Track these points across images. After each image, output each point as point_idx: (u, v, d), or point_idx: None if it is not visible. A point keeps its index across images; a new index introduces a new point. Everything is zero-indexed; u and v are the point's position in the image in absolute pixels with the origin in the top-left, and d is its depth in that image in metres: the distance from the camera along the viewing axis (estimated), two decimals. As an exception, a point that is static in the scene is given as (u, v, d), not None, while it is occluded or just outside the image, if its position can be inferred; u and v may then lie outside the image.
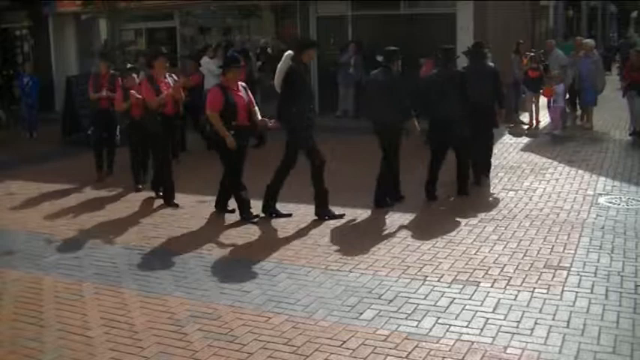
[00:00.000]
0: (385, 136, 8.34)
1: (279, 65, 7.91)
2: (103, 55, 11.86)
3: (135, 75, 10.33)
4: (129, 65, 11.20)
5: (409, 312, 5.22)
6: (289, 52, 7.89)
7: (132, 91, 9.67)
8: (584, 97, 13.91)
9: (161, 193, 9.08)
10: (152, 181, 9.38)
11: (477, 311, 5.19)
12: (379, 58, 9.11)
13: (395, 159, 8.41)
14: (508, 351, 4.57)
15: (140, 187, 9.73)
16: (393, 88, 8.22)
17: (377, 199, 8.30)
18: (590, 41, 14.59)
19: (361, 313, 5.22)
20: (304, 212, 8.09)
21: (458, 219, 7.70)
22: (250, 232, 7.54)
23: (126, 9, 16.51)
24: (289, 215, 8.01)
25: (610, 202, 8.24)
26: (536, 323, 4.95)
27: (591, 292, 5.49)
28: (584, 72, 13.68)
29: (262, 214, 7.99)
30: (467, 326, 4.95)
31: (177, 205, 8.72)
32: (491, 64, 9.77)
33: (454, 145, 8.66)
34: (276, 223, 7.84)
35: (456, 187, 8.80)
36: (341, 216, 7.90)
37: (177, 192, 8.95)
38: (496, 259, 6.34)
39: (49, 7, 19.09)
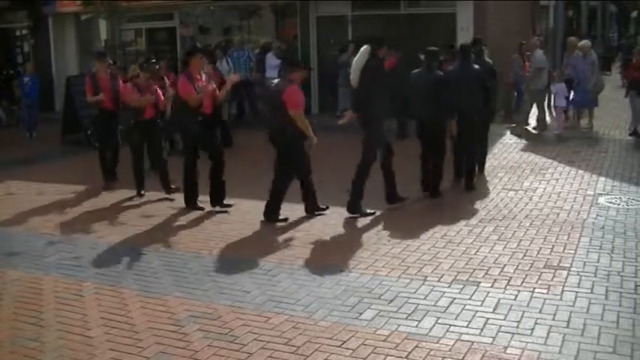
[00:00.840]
0: (429, 130, 8.55)
1: (355, 60, 8.04)
2: (101, 54, 11.30)
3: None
4: (152, 60, 10.42)
5: (409, 312, 5.22)
6: (366, 47, 7.98)
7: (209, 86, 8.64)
8: (579, 98, 13.92)
9: (219, 207, 8.46)
10: (210, 193, 8.53)
11: (476, 311, 5.19)
12: (422, 57, 9.26)
13: (439, 154, 8.67)
14: (508, 351, 4.57)
15: (143, 192, 9.37)
16: (439, 86, 8.49)
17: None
18: (586, 42, 14.55)
19: (361, 313, 5.22)
20: (303, 212, 8.08)
21: (458, 219, 7.70)
22: (250, 232, 7.54)
23: (126, 9, 16.49)
24: (372, 214, 7.97)
25: (610, 202, 8.24)
26: (536, 323, 4.95)
27: (591, 292, 5.49)
28: (580, 73, 13.70)
29: (352, 214, 7.92)
30: (467, 326, 4.95)
31: (202, 209, 8.44)
32: (476, 66, 9.24)
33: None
34: (275, 223, 7.83)
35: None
36: (372, 214, 7.96)
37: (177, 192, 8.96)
38: (496, 259, 6.34)
39: (49, 7, 19.09)
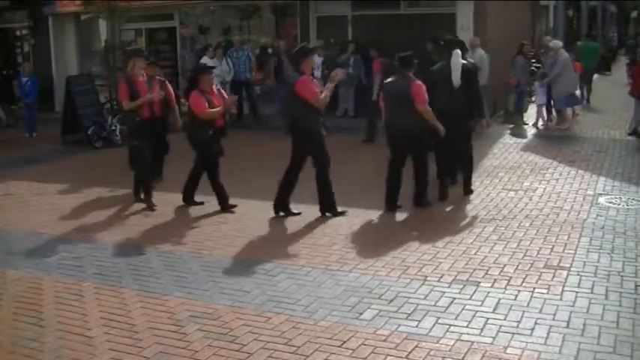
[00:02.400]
0: (453, 127, 8.34)
1: (453, 61, 8.51)
2: (139, 52, 9.78)
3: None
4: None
5: (409, 312, 5.22)
6: (457, 50, 8.53)
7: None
8: (553, 97, 14.05)
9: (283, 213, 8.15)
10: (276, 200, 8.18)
11: (477, 311, 5.19)
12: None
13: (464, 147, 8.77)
14: (508, 351, 4.57)
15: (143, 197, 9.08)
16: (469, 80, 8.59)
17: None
18: (556, 42, 14.47)
19: (361, 313, 5.22)
20: (304, 212, 8.08)
21: (458, 219, 7.70)
22: (250, 232, 7.53)
23: (126, 9, 16.49)
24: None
25: (610, 202, 8.24)
26: (536, 323, 4.95)
27: (591, 292, 5.49)
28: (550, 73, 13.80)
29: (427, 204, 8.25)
30: (467, 326, 4.95)
31: (233, 207, 8.41)
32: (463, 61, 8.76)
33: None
34: (276, 222, 7.84)
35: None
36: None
37: (177, 192, 8.94)
38: (496, 259, 6.34)
39: (49, 7, 19.09)
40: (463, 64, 8.61)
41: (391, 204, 8.16)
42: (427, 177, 8.29)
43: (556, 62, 13.62)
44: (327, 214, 7.96)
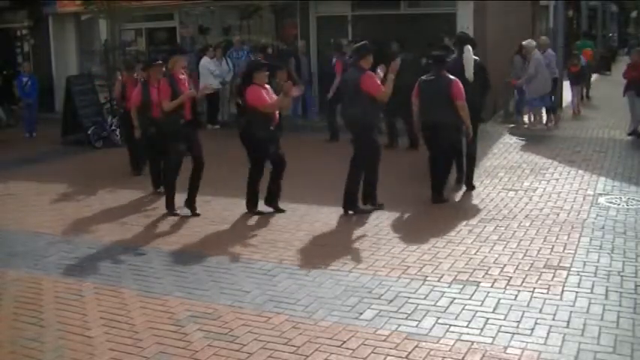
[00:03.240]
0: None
1: (465, 56, 8.77)
2: (181, 50, 9.42)
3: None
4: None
5: (409, 312, 5.22)
6: (468, 45, 8.83)
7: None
8: (529, 97, 14.14)
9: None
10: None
11: (477, 311, 5.19)
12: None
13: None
14: (508, 351, 4.57)
15: (160, 190, 9.14)
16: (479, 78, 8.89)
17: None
18: (531, 42, 14.43)
19: (361, 313, 5.22)
20: (304, 212, 8.09)
21: (458, 219, 7.70)
22: (251, 232, 7.54)
23: (126, 9, 16.49)
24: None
25: (610, 202, 8.24)
26: (536, 323, 4.95)
27: (591, 292, 5.49)
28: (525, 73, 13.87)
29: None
30: (467, 326, 4.95)
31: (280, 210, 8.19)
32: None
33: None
34: (276, 223, 7.84)
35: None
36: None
37: (178, 192, 8.93)
38: (496, 259, 6.34)
39: (49, 7, 19.09)
40: (475, 60, 8.92)
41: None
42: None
43: (529, 63, 13.69)
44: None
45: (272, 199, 8.25)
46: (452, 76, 8.35)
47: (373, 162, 8.03)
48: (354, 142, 8.03)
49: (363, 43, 8.24)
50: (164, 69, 8.69)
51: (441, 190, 8.49)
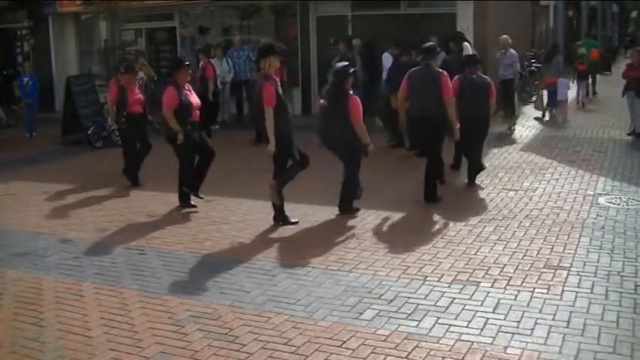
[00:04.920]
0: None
1: (466, 53, 9.32)
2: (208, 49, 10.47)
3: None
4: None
5: (409, 312, 5.22)
6: (466, 43, 9.42)
7: None
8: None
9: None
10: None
11: (477, 311, 5.19)
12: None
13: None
14: (508, 351, 4.57)
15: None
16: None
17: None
18: (506, 37, 14.42)
19: (361, 313, 5.22)
20: (304, 212, 8.09)
21: (458, 219, 7.70)
22: (251, 232, 7.54)
23: (126, 9, 16.50)
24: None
25: (610, 202, 8.24)
26: (536, 323, 4.95)
27: (591, 292, 5.49)
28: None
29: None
30: (467, 326, 4.95)
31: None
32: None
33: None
34: (276, 223, 7.82)
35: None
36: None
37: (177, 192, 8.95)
38: (496, 259, 6.34)
39: (49, 7, 19.09)
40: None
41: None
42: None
43: (505, 58, 13.84)
44: None
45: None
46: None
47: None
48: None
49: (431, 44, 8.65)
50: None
51: (434, 189, 8.48)
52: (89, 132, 13.87)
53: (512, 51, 14.17)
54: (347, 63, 8.29)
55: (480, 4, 14.58)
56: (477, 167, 9.32)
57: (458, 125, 8.44)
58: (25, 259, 6.91)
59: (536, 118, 15.38)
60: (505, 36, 14.31)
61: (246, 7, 17.57)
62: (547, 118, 15.35)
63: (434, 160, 8.53)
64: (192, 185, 8.63)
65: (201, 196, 8.66)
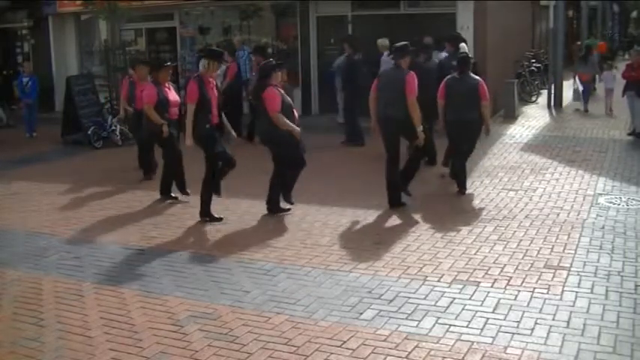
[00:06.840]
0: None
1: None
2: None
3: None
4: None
5: (409, 312, 5.22)
6: (463, 43, 9.65)
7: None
8: None
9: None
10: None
11: (477, 311, 5.19)
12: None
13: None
14: (508, 351, 4.57)
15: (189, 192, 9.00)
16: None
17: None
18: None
19: (361, 313, 5.22)
20: (304, 212, 8.09)
21: (458, 219, 7.70)
22: (251, 232, 7.54)
23: (126, 9, 16.50)
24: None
25: (610, 202, 8.24)
26: (536, 323, 4.95)
27: (591, 292, 5.49)
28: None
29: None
30: (467, 326, 4.95)
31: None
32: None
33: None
34: (276, 223, 7.84)
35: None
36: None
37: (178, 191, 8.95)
38: (496, 259, 6.34)
39: (49, 7, 19.09)
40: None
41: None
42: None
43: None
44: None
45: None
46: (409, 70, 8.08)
47: None
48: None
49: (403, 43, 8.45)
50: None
51: (398, 193, 8.26)
52: (89, 132, 13.87)
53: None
54: (272, 59, 8.36)
55: (479, 4, 14.57)
56: (461, 177, 8.86)
57: (421, 128, 8.03)
58: (25, 259, 6.91)
59: (576, 110, 16.48)
60: (382, 39, 13.76)
61: (246, 7, 17.57)
62: (588, 110, 16.22)
63: (391, 161, 8.21)
64: (180, 184, 9.06)
65: (188, 191, 8.97)
